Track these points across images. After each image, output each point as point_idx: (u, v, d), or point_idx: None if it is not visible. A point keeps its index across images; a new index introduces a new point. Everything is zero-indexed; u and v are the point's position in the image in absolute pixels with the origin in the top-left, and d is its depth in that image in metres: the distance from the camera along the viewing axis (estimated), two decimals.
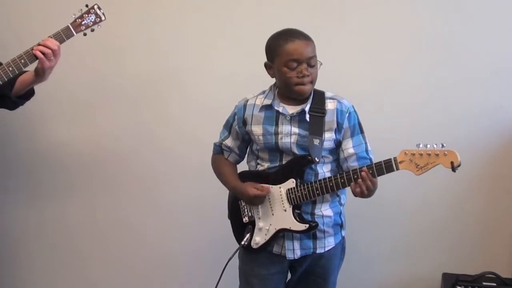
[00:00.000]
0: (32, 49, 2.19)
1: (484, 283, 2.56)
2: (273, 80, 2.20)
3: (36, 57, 2.19)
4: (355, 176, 2.01)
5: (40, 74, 2.24)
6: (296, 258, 2.19)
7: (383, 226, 2.82)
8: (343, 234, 2.28)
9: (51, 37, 2.22)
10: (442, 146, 1.91)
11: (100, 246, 3.14)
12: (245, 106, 2.22)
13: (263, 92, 2.23)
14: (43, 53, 2.18)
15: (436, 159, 1.92)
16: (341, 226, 2.26)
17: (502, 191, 2.72)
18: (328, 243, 2.22)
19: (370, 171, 1.99)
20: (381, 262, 2.87)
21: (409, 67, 2.69)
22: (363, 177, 1.99)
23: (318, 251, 2.20)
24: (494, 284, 2.56)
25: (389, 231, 2.83)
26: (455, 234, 2.78)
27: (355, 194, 2.05)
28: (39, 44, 2.20)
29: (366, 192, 2.01)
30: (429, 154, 1.92)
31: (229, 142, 2.30)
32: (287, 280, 2.35)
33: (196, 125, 2.89)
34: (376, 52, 2.71)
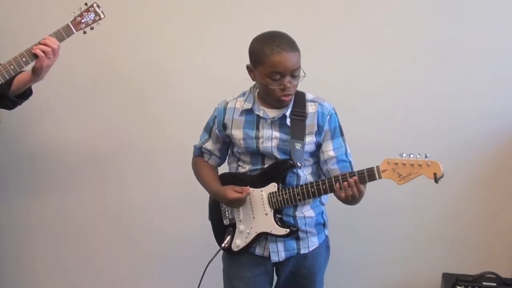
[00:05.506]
0: (32, 47, 2.21)
1: (484, 283, 2.55)
2: None
3: (37, 56, 2.20)
4: (337, 183, 1.97)
5: (37, 73, 2.26)
6: (281, 260, 2.17)
7: (383, 226, 2.81)
8: (326, 233, 2.26)
9: (52, 36, 2.23)
10: (426, 156, 1.88)
11: (90, 241, 3.17)
12: (225, 109, 2.17)
13: (243, 94, 2.17)
14: (43, 52, 2.20)
15: (419, 169, 1.88)
16: (323, 225, 2.24)
17: (502, 192, 2.70)
18: (311, 243, 2.20)
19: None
20: (381, 263, 2.86)
21: (410, 70, 2.67)
22: (350, 184, 1.94)
23: (302, 251, 2.18)
24: (494, 284, 2.55)
25: (389, 231, 2.82)
26: (455, 234, 2.77)
27: (339, 199, 2.01)
28: (39, 43, 2.22)
29: (350, 198, 1.97)
30: (412, 164, 1.89)
31: (209, 145, 2.26)
32: (274, 283, 2.32)
33: (184, 128, 2.85)
34: (376, 55, 2.67)
